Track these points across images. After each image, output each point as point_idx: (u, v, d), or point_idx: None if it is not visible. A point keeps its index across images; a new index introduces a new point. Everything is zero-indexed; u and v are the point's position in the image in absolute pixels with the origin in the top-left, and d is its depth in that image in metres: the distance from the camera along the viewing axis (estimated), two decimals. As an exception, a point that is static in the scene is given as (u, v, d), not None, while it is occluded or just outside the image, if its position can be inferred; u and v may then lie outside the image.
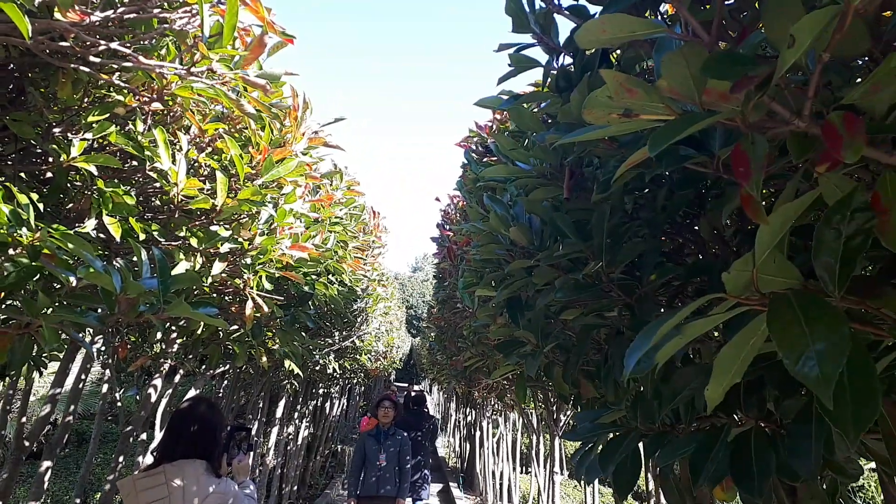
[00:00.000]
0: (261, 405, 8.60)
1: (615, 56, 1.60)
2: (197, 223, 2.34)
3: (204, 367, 5.34)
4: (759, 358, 0.94)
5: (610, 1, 1.25)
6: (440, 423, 25.20)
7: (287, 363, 3.91)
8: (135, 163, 2.30)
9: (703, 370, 1.31)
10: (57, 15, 1.52)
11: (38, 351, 2.88)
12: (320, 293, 3.86)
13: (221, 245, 2.38)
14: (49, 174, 2.09)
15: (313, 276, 3.66)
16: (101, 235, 2.15)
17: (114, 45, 1.66)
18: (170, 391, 5.65)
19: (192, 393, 5.02)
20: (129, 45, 1.75)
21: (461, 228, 3.65)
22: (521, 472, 13.39)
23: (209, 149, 2.48)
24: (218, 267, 2.36)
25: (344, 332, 7.35)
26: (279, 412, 9.40)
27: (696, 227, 1.75)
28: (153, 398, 4.57)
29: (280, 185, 2.59)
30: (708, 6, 1.25)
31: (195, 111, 2.31)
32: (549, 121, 1.89)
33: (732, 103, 0.83)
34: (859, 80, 1.01)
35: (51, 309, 1.54)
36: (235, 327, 3.14)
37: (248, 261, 2.57)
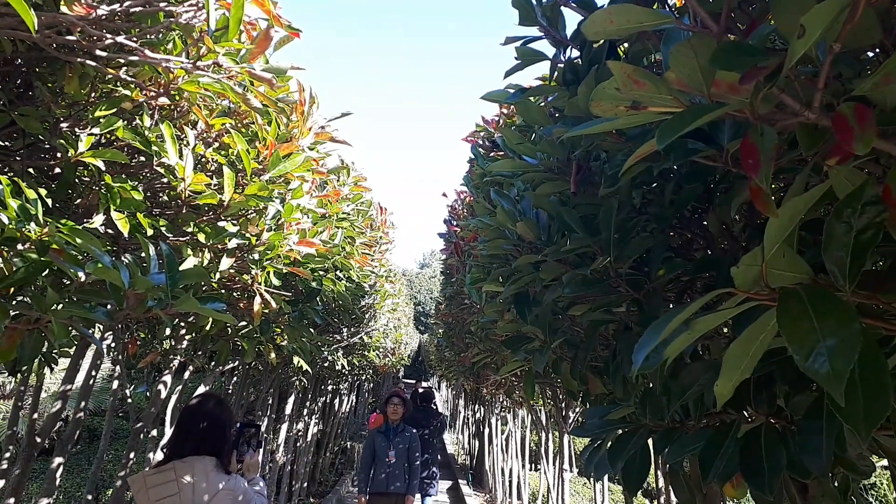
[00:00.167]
0: (270, 402, 8.63)
1: (623, 49, 1.59)
2: (205, 218, 2.35)
3: (213, 363, 5.36)
4: (769, 353, 0.93)
5: (617, -8, 1.24)
6: (449, 419, 25.24)
7: (296, 359, 3.92)
8: (142, 158, 2.30)
9: (712, 366, 1.30)
10: (63, 8, 1.53)
11: (48, 347, 2.90)
12: (328, 289, 3.86)
13: (229, 240, 2.39)
14: (57, 169, 2.10)
15: (321, 272, 3.66)
16: (110, 231, 2.16)
17: (120, 39, 1.67)
18: (179, 387, 5.69)
19: (201, 389, 5.04)
20: (135, 39, 1.76)
21: (468, 224, 3.64)
22: (531, 469, 13.38)
23: (216, 144, 2.48)
24: (226, 262, 2.36)
25: (352, 329, 7.36)
26: (288, 409, 9.43)
27: (705, 222, 1.73)
28: (163, 394, 4.60)
29: (287, 181, 2.58)
30: (717, -3, 1.24)
31: (202, 106, 2.31)
32: (557, 114, 1.88)
33: (741, 95, 0.82)
34: (870, 71, 1.00)
35: (60, 304, 1.55)
36: (244, 323, 3.14)
37: (256, 256, 2.57)
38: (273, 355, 3.56)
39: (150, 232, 2.05)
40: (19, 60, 1.95)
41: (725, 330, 1.55)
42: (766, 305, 0.85)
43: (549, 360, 2.10)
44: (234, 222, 2.45)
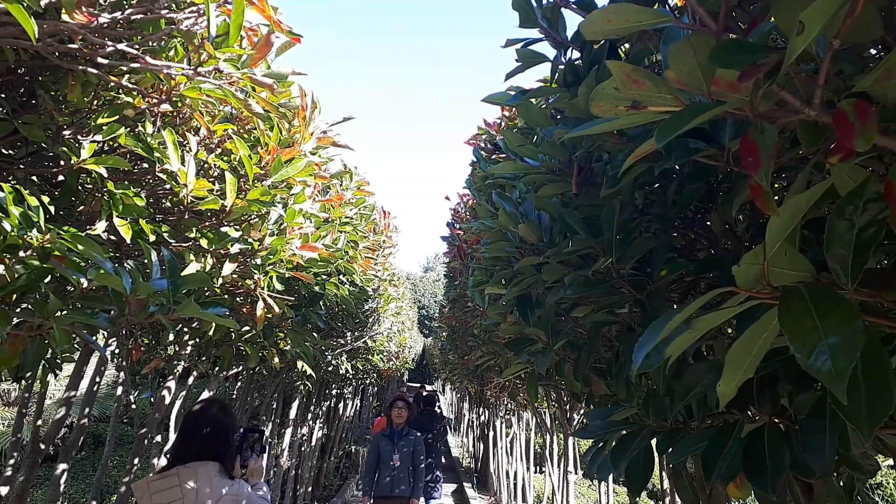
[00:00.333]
0: (274, 406, 8.63)
1: (624, 50, 1.59)
2: (207, 224, 2.35)
3: (217, 368, 5.36)
4: (772, 353, 0.92)
5: (616, -8, 1.24)
6: (453, 422, 25.20)
7: (300, 364, 3.92)
8: (144, 165, 2.31)
9: (715, 366, 1.30)
10: (65, 17, 1.53)
11: (51, 353, 2.90)
12: (331, 293, 3.86)
13: (231, 246, 2.39)
14: (60, 177, 2.10)
15: (324, 277, 3.66)
16: (112, 237, 2.16)
17: (122, 47, 1.67)
18: (183, 393, 5.69)
19: (205, 394, 5.05)
20: (137, 46, 1.76)
21: (471, 227, 3.63)
22: (535, 472, 13.36)
23: (218, 150, 2.48)
24: (228, 268, 2.36)
25: (356, 333, 7.36)
26: (293, 413, 9.43)
27: (708, 223, 1.73)
28: (167, 400, 4.60)
29: (289, 186, 2.59)
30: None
31: (204, 112, 2.31)
32: (558, 116, 1.88)
33: (741, 93, 0.82)
34: (871, 67, 1.00)
35: (62, 311, 1.55)
36: (247, 328, 3.14)
37: (259, 261, 2.57)
38: (277, 360, 3.56)
39: (152, 238, 2.06)
40: (22, 69, 1.95)
41: (729, 330, 1.54)
42: (768, 304, 0.84)
43: (553, 362, 2.10)
44: (237, 227, 2.45)
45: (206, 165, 2.47)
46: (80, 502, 11.13)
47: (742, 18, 1.20)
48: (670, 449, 1.39)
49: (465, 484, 13.77)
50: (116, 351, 5.31)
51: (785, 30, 0.81)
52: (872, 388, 0.74)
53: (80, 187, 2.16)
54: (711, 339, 1.56)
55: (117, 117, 1.98)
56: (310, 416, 11.10)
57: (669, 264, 1.55)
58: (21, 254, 1.55)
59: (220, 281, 2.38)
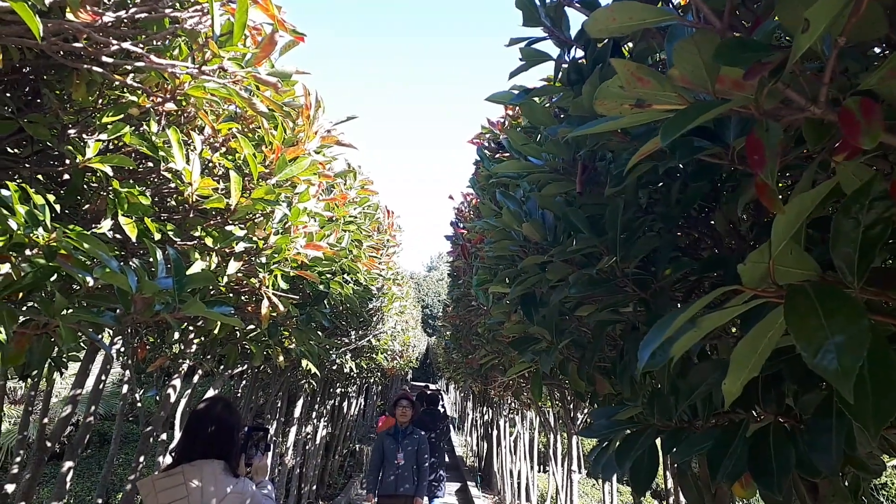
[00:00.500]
0: (279, 405, 8.65)
1: (627, 49, 1.59)
2: (212, 223, 2.36)
3: (222, 367, 5.38)
4: (777, 352, 0.92)
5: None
6: (457, 421, 25.20)
7: (304, 362, 3.93)
8: (149, 163, 2.31)
9: (720, 365, 1.30)
10: (69, 15, 1.54)
11: (57, 352, 2.91)
12: (335, 292, 3.87)
13: (236, 244, 2.39)
14: (65, 175, 2.11)
15: (328, 275, 3.67)
16: (118, 236, 2.17)
17: (126, 46, 1.68)
18: (189, 391, 5.71)
19: (210, 393, 5.06)
20: (141, 45, 1.76)
21: (475, 226, 3.64)
22: (539, 471, 13.36)
23: (223, 148, 2.49)
24: (233, 266, 2.37)
25: (360, 332, 7.37)
26: (297, 412, 9.45)
27: (712, 221, 1.73)
28: (172, 398, 4.62)
29: (293, 184, 2.59)
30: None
31: (208, 111, 2.32)
32: (562, 115, 1.88)
33: (746, 91, 0.82)
34: (876, 65, 0.99)
35: (68, 309, 1.55)
36: (252, 327, 3.15)
37: (263, 260, 2.58)
38: (281, 358, 3.56)
39: (157, 236, 2.06)
40: (27, 68, 1.96)
41: (734, 329, 1.54)
42: (773, 303, 0.84)
43: (557, 361, 2.10)
44: (242, 226, 2.45)
45: (210, 164, 2.48)
46: (86, 500, 11.17)
47: (745, 16, 1.20)
48: (675, 448, 1.39)
49: (468, 483, 13.77)
50: (122, 349, 5.33)
51: (789, 27, 0.81)
52: (879, 387, 0.73)
53: (85, 186, 2.16)
54: (715, 338, 1.56)
55: (122, 116, 1.99)
56: (314, 414, 11.11)
57: (673, 263, 1.55)
58: (27, 252, 1.55)
59: (225, 279, 2.39)
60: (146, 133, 2.10)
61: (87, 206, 2.23)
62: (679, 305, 1.71)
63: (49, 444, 3.59)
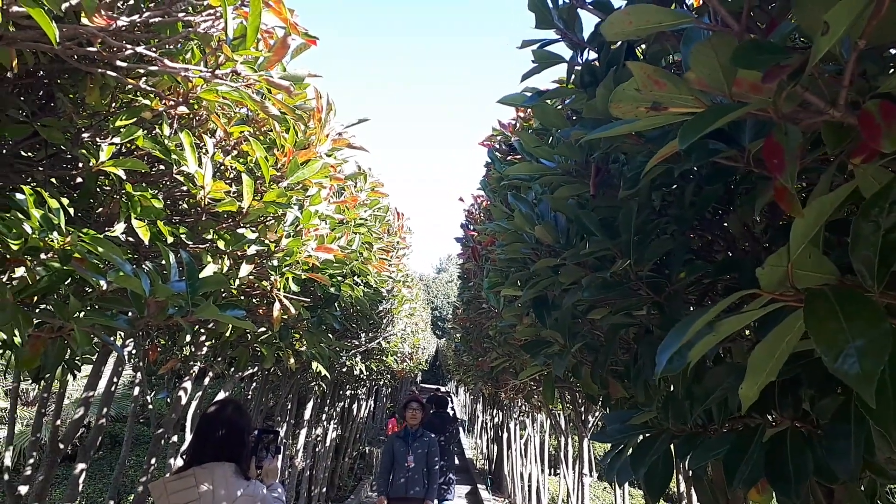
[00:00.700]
0: (289, 407, 8.67)
1: (641, 51, 1.58)
2: (224, 226, 2.36)
3: (233, 369, 5.40)
4: (794, 356, 0.91)
5: (635, -7, 1.23)
6: (467, 424, 25.17)
7: (314, 365, 3.93)
8: (162, 167, 2.33)
9: (735, 369, 1.28)
10: (84, 20, 1.55)
11: (71, 354, 2.93)
12: (346, 294, 3.87)
13: (248, 247, 2.40)
14: (79, 179, 2.12)
15: (339, 278, 3.67)
16: (130, 239, 2.18)
17: (140, 50, 1.68)
18: (199, 394, 5.73)
19: (221, 395, 5.08)
20: (154, 49, 1.77)
21: (485, 228, 3.63)
22: (550, 474, 13.31)
23: (235, 151, 2.50)
24: (245, 269, 2.38)
25: (370, 334, 7.37)
26: (307, 414, 9.46)
27: (726, 224, 1.71)
28: (183, 401, 4.63)
29: (305, 187, 2.60)
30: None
31: (220, 114, 2.33)
32: (574, 117, 1.87)
33: (764, 94, 0.81)
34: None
35: (82, 312, 1.56)
36: (263, 329, 3.16)
37: (275, 263, 2.58)
38: (292, 361, 3.57)
39: (170, 240, 2.07)
40: (41, 72, 1.98)
41: (748, 333, 1.53)
42: (792, 307, 0.83)
43: (569, 365, 2.09)
44: (253, 229, 2.46)
45: (222, 167, 2.49)
46: (98, 502, 11.24)
47: (760, 17, 1.19)
48: (690, 454, 1.37)
49: (479, 486, 13.74)
50: (133, 352, 5.36)
51: (806, 29, 0.80)
52: (900, 392, 0.73)
53: (98, 189, 2.18)
54: (731, 342, 1.55)
55: (135, 119, 2.00)
56: (324, 416, 11.13)
57: (688, 266, 1.54)
58: (42, 256, 1.56)
59: (237, 282, 2.40)
60: (159, 136, 2.11)
61: (100, 209, 2.25)
62: (692, 308, 1.70)
63: (62, 446, 3.61)
